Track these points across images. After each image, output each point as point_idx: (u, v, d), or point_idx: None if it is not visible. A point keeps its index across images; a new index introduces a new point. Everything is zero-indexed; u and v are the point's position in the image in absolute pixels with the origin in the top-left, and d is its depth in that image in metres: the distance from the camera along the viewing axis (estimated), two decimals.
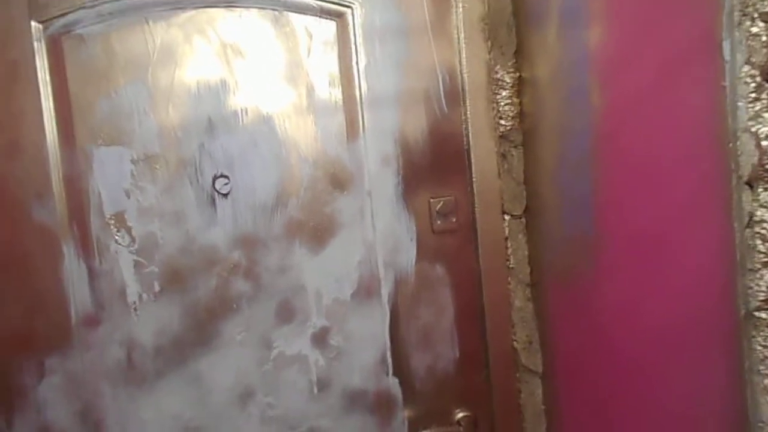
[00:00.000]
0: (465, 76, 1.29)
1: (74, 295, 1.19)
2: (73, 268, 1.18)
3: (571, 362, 1.19)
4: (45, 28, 1.15)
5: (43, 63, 1.15)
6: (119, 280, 1.20)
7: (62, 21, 1.17)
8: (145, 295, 1.21)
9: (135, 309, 1.21)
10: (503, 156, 1.30)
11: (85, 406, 1.21)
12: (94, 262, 1.19)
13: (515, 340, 1.33)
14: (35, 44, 1.15)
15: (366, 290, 1.30)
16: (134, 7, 1.18)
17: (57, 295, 1.18)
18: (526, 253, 1.31)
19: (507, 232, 1.31)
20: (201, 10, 1.21)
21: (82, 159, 1.18)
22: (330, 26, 1.26)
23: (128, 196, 1.19)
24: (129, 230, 1.20)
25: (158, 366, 1.22)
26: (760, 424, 0.69)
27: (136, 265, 1.20)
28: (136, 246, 1.20)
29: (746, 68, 0.66)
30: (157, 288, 1.21)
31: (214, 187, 1.23)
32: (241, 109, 1.23)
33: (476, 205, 1.31)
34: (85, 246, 1.18)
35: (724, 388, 0.76)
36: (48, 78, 1.16)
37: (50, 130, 1.16)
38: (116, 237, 1.19)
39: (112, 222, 1.19)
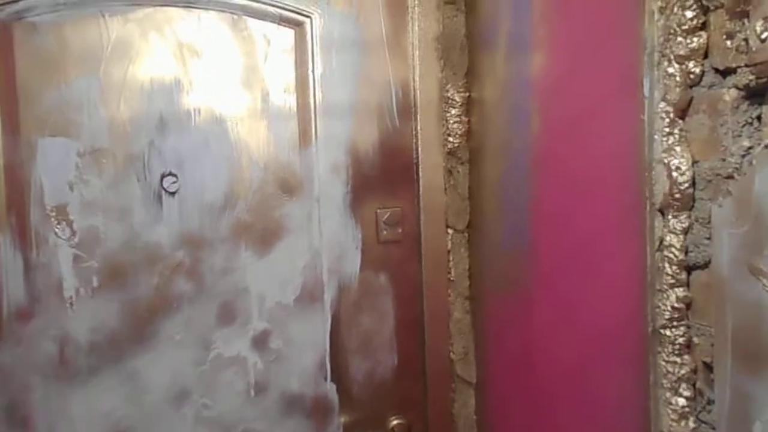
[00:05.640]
0: (417, 92, 1.34)
1: (7, 287, 1.16)
2: (8, 259, 1.16)
3: (502, 374, 1.24)
4: None
5: None
6: (56, 274, 1.18)
7: (15, 7, 1.15)
8: (82, 290, 1.19)
9: (71, 304, 1.19)
10: (450, 172, 1.35)
11: (13, 401, 1.18)
12: (31, 254, 1.17)
13: (452, 351, 1.37)
14: None
15: (309, 296, 1.31)
16: None
17: None
18: (467, 266, 1.35)
19: (450, 245, 1.36)
20: (159, 8, 1.21)
21: (26, 148, 1.16)
22: (288, 34, 1.29)
23: (72, 189, 1.18)
24: (70, 223, 1.18)
25: (92, 362, 1.20)
26: None
27: (75, 258, 1.18)
28: (76, 239, 1.18)
29: (662, 104, 0.72)
30: (95, 283, 1.20)
31: (161, 185, 1.23)
32: (194, 109, 1.24)
33: (422, 218, 1.35)
34: (23, 237, 1.16)
35: (635, 400, 0.81)
36: None
37: None
38: (56, 229, 1.17)
39: (53, 214, 1.17)
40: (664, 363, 0.74)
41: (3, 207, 1.14)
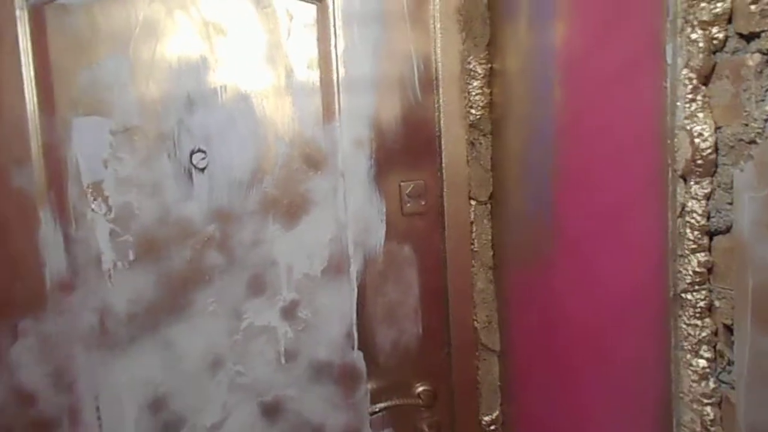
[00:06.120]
0: (439, 64, 1.34)
1: (49, 260, 1.21)
2: (49, 234, 1.21)
3: (526, 342, 1.27)
4: None
5: (24, 31, 1.17)
6: (95, 248, 1.23)
7: None
8: (119, 263, 1.24)
9: (109, 276, 1.24)
10: (472, 144, 1.36)
11: (58, 368, 1.24)
12: (71, 228, 1.22)
13: (476, 320, 1.40)
14: (17, 12, 1.17)
15: (336, 267, 1.35)
16: None
17: (32, 259, 1.21)
18: (490, 237, 1.37)
19: (473, 216, 1.37)
20: None
21: (62, 128, 1.20)
22: (310, 9, 1.30)
23: (106, 166, 1.22)
24: (106, 199, 1.23)
25: (131, 332, 1.26)
26: (681, 395, 0.76)
27: (112, 233, 1.23)
28: (112, 215, 1.23)
29: (685, 71, 0.73)
30: (131, 257, 1.25)
31: (191, 161, 1.26)
32: (221, 87, 1.26)
33: (445, 190, 1.37)
34: (62, 213, 1.21)
35: (656, 363, 0.83)
36: (29, 46, 1.17)
37: (30, 98, 1.18)
38: (93, 205, 1.22)
39: (90, 191, 1.22)
40: (685, 326, 0.75)
41: (43, 184, 1.19)
